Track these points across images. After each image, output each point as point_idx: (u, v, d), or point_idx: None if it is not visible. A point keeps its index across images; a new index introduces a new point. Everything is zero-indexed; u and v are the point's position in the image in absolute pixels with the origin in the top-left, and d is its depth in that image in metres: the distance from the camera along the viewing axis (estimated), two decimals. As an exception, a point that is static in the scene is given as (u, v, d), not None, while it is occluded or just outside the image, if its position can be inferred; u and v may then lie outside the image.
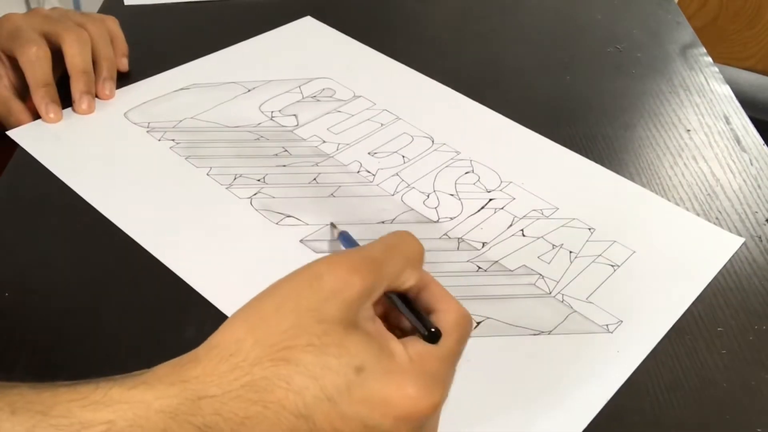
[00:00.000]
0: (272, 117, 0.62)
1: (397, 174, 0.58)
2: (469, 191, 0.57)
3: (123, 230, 0.50)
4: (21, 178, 0.55)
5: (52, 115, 0.58)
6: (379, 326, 0.32)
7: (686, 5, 1.26)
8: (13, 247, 0.49)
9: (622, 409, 0.42)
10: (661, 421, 0.42)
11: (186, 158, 0.57)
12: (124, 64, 0.65)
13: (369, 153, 0.59)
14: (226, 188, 0.55)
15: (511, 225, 0.54)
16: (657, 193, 0.58)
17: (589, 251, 0.52)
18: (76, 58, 0.59)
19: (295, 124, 0.62)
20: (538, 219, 0.55)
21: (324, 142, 0.60)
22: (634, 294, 0.49)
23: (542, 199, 0.56)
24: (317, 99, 0.65)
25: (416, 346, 0.32)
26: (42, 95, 0.58)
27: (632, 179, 0.59)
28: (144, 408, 0.29)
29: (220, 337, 0.31)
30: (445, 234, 0.53)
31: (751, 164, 0.62)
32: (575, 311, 0.48)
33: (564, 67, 0.73)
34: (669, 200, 0.57)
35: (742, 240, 0.54)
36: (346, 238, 0.48)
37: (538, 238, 0.53)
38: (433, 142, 0.61)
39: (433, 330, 0.33)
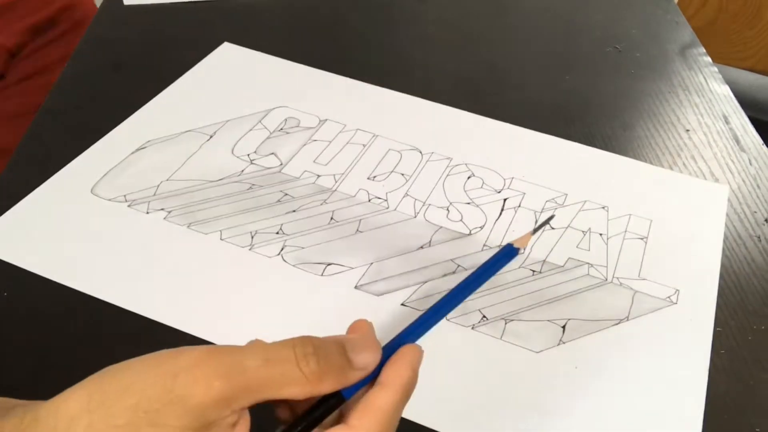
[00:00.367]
0: (252, 161, 0.58)
1: (407, 194, 0.56)
2: (481, 196, 0.56)
3: (155, 320, 0.45)
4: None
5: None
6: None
7: (686, 5, 1.24)
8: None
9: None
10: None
11: (188, 226, 0.52)
12: None
13: (368, 178, 0.57)
14: (249, 249, 0.50)
15: (537, 221, 0.54)
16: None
17: (615, 230, 0.54)
18: None
19: (279, 163, 0.58)
20: (556, 209, 0.56)
21: (319, 176, 0.57)
22: (670, 259, 0.52)
23: (550, 189, 0.57)
24: (285, 131, 0.61)
25: None
26: None
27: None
28: None
29: (58, 405, 0.27)
30: (485, 245, 0.52)
31: (750, 164, 0.62)
32: (637, 291, 0.49)
33: (563, 67, 0.73)
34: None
35: (726, 187, 0.59)
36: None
37: (566, 227, 0.54)
38: (421, 153, 0.60)
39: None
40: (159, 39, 0.71)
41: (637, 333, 0.47)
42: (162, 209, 0.53)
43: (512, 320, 0.47)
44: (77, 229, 0.51)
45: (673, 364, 0.45)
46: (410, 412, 0.41)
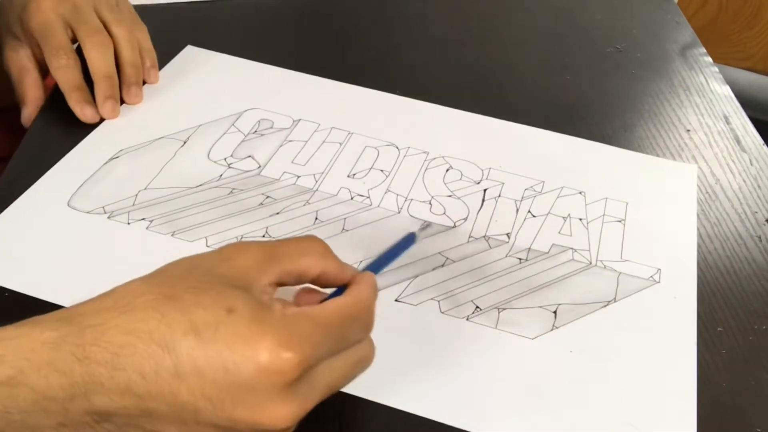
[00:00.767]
0: (230, 165, 0.57)
1: (389, 190, 0.56)
2: (461, 188, 0.57)
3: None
4: None
5: (88, 118, 0.59)
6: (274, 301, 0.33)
7: (686, 5, 1.24)
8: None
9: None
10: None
11: (172, 235, 0.51)
12: (154, 76, 0.64)
13: (348, 176, 0.57)
14: None
15: (518, 210, 0.55)
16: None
17: (593, 214, 0.55)
18: (97, 64, 0.59)
19: (258, 165, 0.57)
20: (535, 196, 0.57)
21: (299, 177, 0.57)
22: (648, 240, 0.54)
23: (527, 177, 0.58)
24: (260, 134, 0.61)
25: (295, 308, 0.33)
26: (76, 99, 0.58)
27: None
28: (30, 341, 0.30)
29: (117, 287, 0.33)
30: (471, 236, 0.53)
31: (751, 164, 0.62)
32: (621, 273, 0.51)
33: (564, 67, 0.73)
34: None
35: (694, 167, 0.61)
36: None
37: (547, 214, 0.55)
38: (398, 148, 0.60)
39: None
40: (160, 39, 0.67)
41: (626, 313, 0.48)
42: (143, 219, 0.52)
43: (505, 309, 0.48)
44: (58, 244, 0.49)
45: (663, 340, 0.46)
46: (414, 406, 0.41)
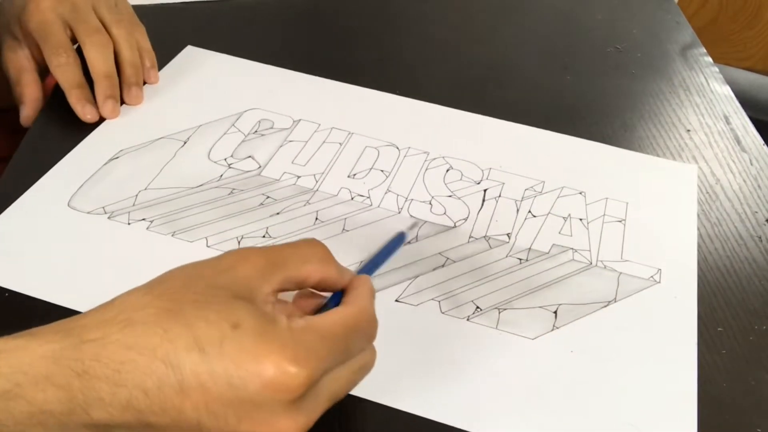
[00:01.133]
0: (230, 165, 0.57)
1: (389, 190, 0.56)
2: (462, 188, 0.57)
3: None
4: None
5: (89, 116, 0.59)
6: (282, 308, 0.34)
7: (686, 5, 1.23)
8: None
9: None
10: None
11: (172, 235, 0.51)
12: (154, 77, 0.64)
13: (349, 176, 0.57)
14: None
15: (518, 210, 0.55)
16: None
17: (593, 214, 0.55)
18: (97, 63, 0.59)
19: (258, 166, 0.57)
20: (535, 197, 0.57)
21: (299, 177, 0.57)
22: (649, 240, 0.54)
23: (527, 177, 0.58)
24: (260, 134, 0.61)
25: (300, 320, 0.32)
26: (77, 96, 0.59)
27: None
28: (28, 354, 0.30)
29: (116, 297, 0.32)
30: (471, 236, 0.53)
31: (751, 164, 0.62)
32: (622, 273, 0.51)
33: (564, 67, 0.73)
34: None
35: (695, 167, 0.60)
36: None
37: (547, 214, 0.55)
38: (398, 149, 0.60)
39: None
40: (162, 39, 0.68)
41: (627, 314, 0.48)
42: (143, 219, 0.52)
43: (505, 309, 0.48)
44: (58, 245, 0.49)
45: (664, 340, 0.46)
46: (415, 407, 0.41)
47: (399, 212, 0.54)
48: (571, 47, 0.77)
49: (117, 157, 0.57)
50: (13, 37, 0.61)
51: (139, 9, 0.66)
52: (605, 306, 0.48)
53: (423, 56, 0.73)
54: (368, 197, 0.55)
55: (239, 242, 0.51)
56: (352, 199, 0.55)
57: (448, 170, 0.58)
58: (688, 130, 0.66)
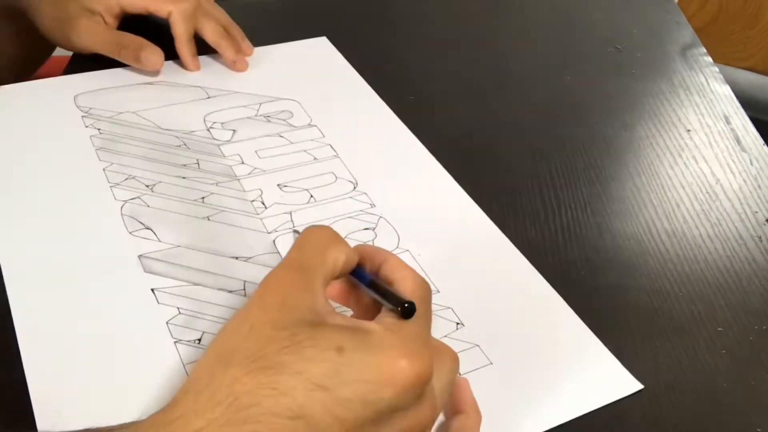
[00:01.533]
0: (209, 128, 0.59)
1: (290, 213, 0.52)
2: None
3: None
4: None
5: (192, 68, 0.66)
6: (344, 316, 0.33)
7: (686, 5, 1.23)
8: None
9: (623, 409, 0.42)
10: (661, 421, 0.42)
11: (96, 150, 0.55)
12: (248, 48, 0.68)
13: (278, 185, 0.54)
14: (111, 187, 0.52)
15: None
16: (657, 194, 0.58)
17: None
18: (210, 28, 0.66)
19: (227, 139, 0.58)
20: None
21: (242, 163, 0.56)
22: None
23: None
24: (269, 120, 0.61)
25: (387, 319, 0.32)
26: (190, 48, 0.65)
27: (632, 179, 0.59)
28: None
29: (192, 376, 0.30)
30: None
31: (751, 164, 0.62)
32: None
33: (564, 67, 0.73)
34: (669, 200, 0.57)
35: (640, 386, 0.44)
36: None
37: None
38: (354, 188, 0.55)
39: (406, 305, 0.32)
40: (162, 39, 0.66)
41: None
42: (98, 129, 0.57)
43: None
44: (30, 120, 0.57)
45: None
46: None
47: (268, 233, 0.50)
48: (571, 47, 0.77)
49: (152, 83, 0.64)
50: (91, 13, 0.63)
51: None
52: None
53: (422, 56, 0.73)
54: (265, 208, 0.52)
55: (125, 179, 0.53)
56: (252, 201, 0.53)
57: (366, 229, 0.52)
58: (688, 130, 0.65)
